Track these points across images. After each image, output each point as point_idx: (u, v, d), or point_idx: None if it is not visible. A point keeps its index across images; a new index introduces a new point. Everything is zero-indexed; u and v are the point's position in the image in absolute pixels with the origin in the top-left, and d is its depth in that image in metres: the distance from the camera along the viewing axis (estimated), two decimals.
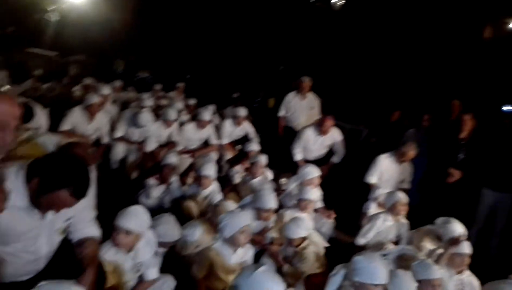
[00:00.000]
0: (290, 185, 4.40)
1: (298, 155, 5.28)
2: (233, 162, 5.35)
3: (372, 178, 4.63)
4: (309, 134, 5.25)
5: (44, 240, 1.96)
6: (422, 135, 5.53)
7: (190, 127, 5.49)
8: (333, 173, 5.24)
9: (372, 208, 4.18)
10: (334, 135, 5.31)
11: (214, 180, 4.05)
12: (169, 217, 2.86)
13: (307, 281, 2.88)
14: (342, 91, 5.62)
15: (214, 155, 5.25)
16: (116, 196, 2.97)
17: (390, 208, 3.79)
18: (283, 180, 4.68)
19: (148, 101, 5.65)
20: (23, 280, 1.97)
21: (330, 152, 5.36)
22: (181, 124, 5.69)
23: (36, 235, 1.92)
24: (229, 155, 5.65)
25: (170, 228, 2.80)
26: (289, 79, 7.49)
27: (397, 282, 2.45)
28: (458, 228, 3.29)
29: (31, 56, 7.73)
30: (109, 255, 2.39)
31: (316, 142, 5.27)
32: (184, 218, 3.57)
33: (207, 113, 5.54)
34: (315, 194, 3.90)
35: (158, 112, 5.72)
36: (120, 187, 4.48)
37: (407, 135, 5.72)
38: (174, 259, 2.98)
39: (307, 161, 5.12)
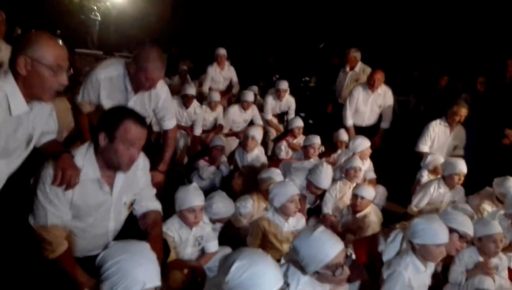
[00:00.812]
0: (342, 158, 4.39)
1: (349, 121, 5.14)
2: (277, 138, 5.43)
3: (424, 146, 4.53)
4: (359, 92, 5.08)
5: (113, 215, 2.10)
6: (477, 100, 5.31)
7: (235, 110, 5.61)
8: (385, 144, 5.14)
9: (425, 176, 4.10)
10: (386, 94, 5.13)
11: (259, 144, 4.29)
12: (221, 193, 2.98)
13: (357, 244, 2.90)
14: (386, 61, 5.46)
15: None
16: (170, 180, 3.12)
17: (447, 178, 3.73)
18: (335, 155, 4.70)
19: (191, 88, 5.83)
20: (93, 255, 2.08)
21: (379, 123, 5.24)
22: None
23: (106, 209, 2.06)
24: (273, 132, 5.72)
25: (224, 204, 2.92)
26: (329, 56, 7.41)
27: None
28: None
29: (79, 56, 8.12)
30: (173, 230, 2.55)
31: (367, 101, 5.09)
32: (234, 196, 3.72)
33: (250, 95, 5.62)
34: (362, 163, 3.88)
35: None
36: (172, 172, 4.68)
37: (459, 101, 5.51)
38: (230, 232, 3.11)
39: (359, 129, 5.05)
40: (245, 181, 3.99)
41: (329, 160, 4.70)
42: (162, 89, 2.88)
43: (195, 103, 5.32)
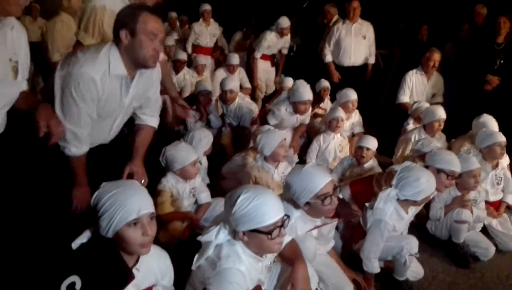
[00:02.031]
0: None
1: (327, 56, 5.22)
2: (269, 97, 5.53)
3: (404, 97, 4.70)
4: (339, 25, 5.18)
5: (121, 114, 2.26)
6: (460, 47, 5.38)
7: (221, 73, 5.68)
8: (372, 98, 5.27)
9: (411, 124, 4.27)
10: (367, 26, 5.21)
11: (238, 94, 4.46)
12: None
13: (352, 186, 3.07)
14: (369, 14, 5.47)
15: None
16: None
17: (427, 126, 3.89)
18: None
19: (183, 54, 5.87)
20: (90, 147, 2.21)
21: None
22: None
23: (119, 108, 2.20)
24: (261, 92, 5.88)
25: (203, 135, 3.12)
26: (313, 14, 7.40)
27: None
28: (492, 122, 3.38)
29: None
30: (171, 186, 2.70)
31: (349, 32, 5.13)
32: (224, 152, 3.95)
33: (235, 57, 5.70)
34: (344, 114, 4.00)
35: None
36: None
37: (445, 51, 5.48)
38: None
39: (345, 69, 5.14)
40: (233, 136, 4.19)
41: (318, 111, 4.85)
42: (158, 73, 2.38)
43: (185, 69, 5.39)
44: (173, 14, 7.60)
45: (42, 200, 2.05)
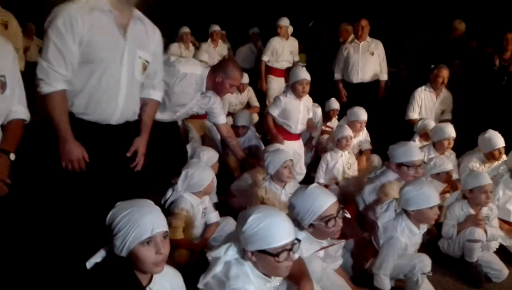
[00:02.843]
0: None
1: (336, 74, 5.34)
2: None
3: (413, 114, 4.73)
4: (347, 46, 5.28)
5: (126, 65, 2.13)
6: (468, 64, 5.37)
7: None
8: (379, 116, 5.27)
9: (417, 141, 4.29)
10: (376, 43, 5.26)
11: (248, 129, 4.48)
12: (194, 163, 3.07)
13: None
14: (376, 32, 5.53)
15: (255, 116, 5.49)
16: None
17: (436, 144, 3.91)
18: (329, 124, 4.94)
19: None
20: (103, 123, 2.15)
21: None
22: None
23: (120, 54, 2.10)
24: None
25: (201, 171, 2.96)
26: (319, 33, 7.51)
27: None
28: (497, 137, 3.40)
29: None
30: (189, 205, 2.73)
31: (357, 50, 5.20)
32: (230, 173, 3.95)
33: (245, 77, 5.73)
34: (351, 132, 4.03)
35: None
36: None
37: (453, 67, 5.46)
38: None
39: (354, 86, 5.19)
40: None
41: (325, 128, 4.88)
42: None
43: None
44: (187, 30, 6.89)
45: (57, 219, 2.07)
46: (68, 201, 2.07)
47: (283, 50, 6.19)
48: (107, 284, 1.47)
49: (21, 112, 1.96)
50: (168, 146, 3.12)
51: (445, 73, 4.59)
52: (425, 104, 4.74)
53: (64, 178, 2.07)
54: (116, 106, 2.15)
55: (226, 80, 3.02)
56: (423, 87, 4.76)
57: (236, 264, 1.69)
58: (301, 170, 4.08)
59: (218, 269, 1.67)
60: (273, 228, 1.62)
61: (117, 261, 1.52)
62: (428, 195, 2.49)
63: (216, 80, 3.01)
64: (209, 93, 3.16)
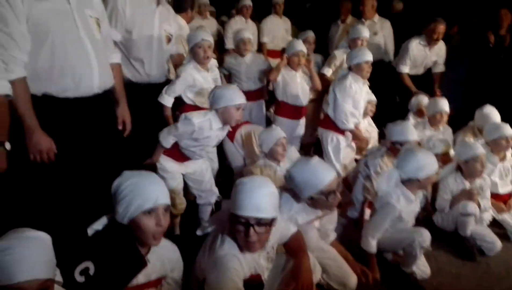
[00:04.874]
0: None
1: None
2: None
3: (404, 67, 4.67)
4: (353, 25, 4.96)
5: (81, 26, 2.11)
6: (468, 37, 5.37)
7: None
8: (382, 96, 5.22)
9: (411, 118, 4.31)
10: (383, 23, 5.10)
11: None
12: None
13: None
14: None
15: None
16: None
17: (430, 118, 3.97)
18: None
19: None
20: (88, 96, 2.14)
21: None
22: None
23: (69, 19, 2.08)
24: None
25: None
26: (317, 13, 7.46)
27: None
28: (494, 113, 3.45)
29: None
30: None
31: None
32: None
33: None
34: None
35: None
36: None
37: (453, 46, 5.38)
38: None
39: None
40: None
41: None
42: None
43: None
44: (248, 2, 6.20)
45: (59, 185, 2.12)
46: (68, 174, 2.13)
47: (278, 29, 6.14)
48: (107, 251, 1.55)
49: (5, 86, 1.89)
50: (154, 109, 3.11)
51: (442, 28, 4.47)
52: (417, 57, 4.64)
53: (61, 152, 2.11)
54: (91, 71, 2.15)
55: (228, 107, 2.67)
56: (418, 40, 4.61)
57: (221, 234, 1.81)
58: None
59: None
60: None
61: (118, 229, 1.60)
62: (424, 164, 2.55)
63: (219, 111, 2.69)
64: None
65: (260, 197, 1.74)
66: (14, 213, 1.90)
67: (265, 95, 4.45)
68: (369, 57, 3.54)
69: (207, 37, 3.19)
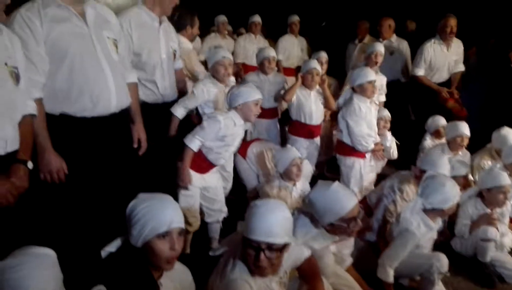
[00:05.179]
0: None
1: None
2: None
3: (419, 70, 4.61)
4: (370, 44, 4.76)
5: (99, 48, 2.18)
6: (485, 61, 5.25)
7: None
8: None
9: (428, 139, 4.28)
10: (400, 43, 5.13)
11: None
12: None
13: None
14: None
15: None
16: None
17: (450, 142, 3.88)
18: None
19: None
20: (91, 116, 2.14)
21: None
22: None
23: (87, 41, 2.14)
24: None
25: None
26: (333, 33, 7.50)
27: None
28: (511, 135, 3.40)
29: None
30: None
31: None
32: None
33: None
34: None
35: None
36: None
37: (470, 67, 5.30)
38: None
39: None
40: None
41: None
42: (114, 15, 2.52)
43: None
44: (223, 19, 6.45)
45: (74, 204, 2.12)
46: (83, 193, 2.14)
47: (294, 48, 6.21)
48: (121, 274, 1.53)
49: (31, 106, 1.97)
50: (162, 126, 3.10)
51: (452, 21, 4.42)
52: (436, 58, 4.57)
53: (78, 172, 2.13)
54: (109, 91, 2.19)
55: (247, 103, 2.77)
56: (432, 40, 4.55)
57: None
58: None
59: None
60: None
61: (132, 252, 1.58)
62: (448, 193, 2.50)
63: (239, 108, 2.77)
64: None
65: (273, 222, 1.71)
66: (29, 232, 1.90)
67: (279, 114, 4.47)
68: (371, 76, 3.48)
69: (228, 55, 3.28)
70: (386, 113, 3.98)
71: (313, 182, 3.52)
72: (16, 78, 1.86)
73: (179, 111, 3.08)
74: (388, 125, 4.02)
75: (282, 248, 1.74)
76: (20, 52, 1.91)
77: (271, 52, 4.09)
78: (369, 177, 3.74)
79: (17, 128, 1.85)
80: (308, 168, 3.34)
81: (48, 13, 2.05)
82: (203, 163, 2.80)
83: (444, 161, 3.01)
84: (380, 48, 4.22)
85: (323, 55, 4.62)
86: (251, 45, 6.19)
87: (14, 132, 1.83)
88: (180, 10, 3.14)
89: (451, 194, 2.48)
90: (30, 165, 1.88)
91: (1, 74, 1.77)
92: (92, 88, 2.14)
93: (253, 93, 2.76)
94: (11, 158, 1.81)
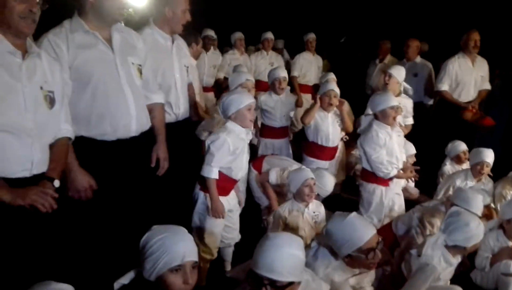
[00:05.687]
0: None
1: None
2: None
3: (443, 85, 4.55)
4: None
5: (123, 74, 2.23)
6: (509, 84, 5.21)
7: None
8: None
9: (448, 164, 4.19)
10: (423, 65, 5.09)
11: None
12: None
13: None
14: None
15: None
16: None
17: (472, 168, 3.78)
18: None
19: None
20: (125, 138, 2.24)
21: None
22: None
23: (111, 66, 2.20)
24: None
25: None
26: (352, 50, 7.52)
27: None
28: None
29: None
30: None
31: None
32: None
33: None
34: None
35: None
36: None
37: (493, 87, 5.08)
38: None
39: None
40: None
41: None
42: (141, 39, 2.55)
43: None
44: (239, 35, 6.46)
45: (91, 231, 2.13)
46: (100, 219, 2.15)
47: (310, 65, 6.24)
48: None
49: (67, 130, 2.02)
50: (184, 145, 3.10)
51: (475, 35, 4.36)
52: (462, 73, 4.48)
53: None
54: (130, 116, 2.23)
55: (240, 110, 2.70)
56: (456, 56, 4.50)
57: None
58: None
59: None
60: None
61: (145, 285, 1.56)
62: (472, 233, 2.41)
63: (233, 117, 2.71)
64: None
65: (278, 258, 1.67)
66: (42, 261, 1.89)
67: (290, 134, 4.50)
68: (394, 102, 3.34)
69: (250, 78, 3.40)
70: (412, 150, 3.97)
71: (329, 203, 3.56)
72: (51, 101, 1.89)
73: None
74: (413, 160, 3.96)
75: (287, 286, 1.68)
76: (58, 77, 1.96)
77: (281, 73, 4.13)
78: (397, 201, 3.54)
79: (46, 150, 1.88)
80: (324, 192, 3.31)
81: (75, 39, 2.11)
82: (226, 183, 2.78)
83: (479, 201, 2.86)
84: (392, 70, 4.09)
85: (332, 77, 4.65)
86: (264, 62, 6.33)
87: (42, 155, 1.85)
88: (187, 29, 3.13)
89: (475, 233, 2.41)
90: (56, 183, 1.89)
91: (36, 97, 1.82)
92: (113, 114, 2.18)
93: (244, 99, 2.71)
94: (38, 181, 1.82)
